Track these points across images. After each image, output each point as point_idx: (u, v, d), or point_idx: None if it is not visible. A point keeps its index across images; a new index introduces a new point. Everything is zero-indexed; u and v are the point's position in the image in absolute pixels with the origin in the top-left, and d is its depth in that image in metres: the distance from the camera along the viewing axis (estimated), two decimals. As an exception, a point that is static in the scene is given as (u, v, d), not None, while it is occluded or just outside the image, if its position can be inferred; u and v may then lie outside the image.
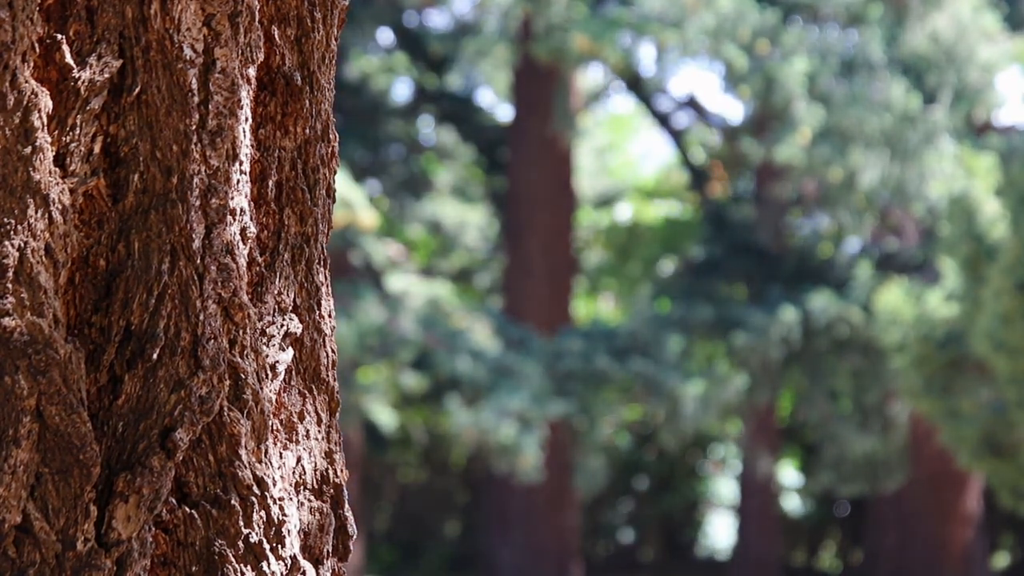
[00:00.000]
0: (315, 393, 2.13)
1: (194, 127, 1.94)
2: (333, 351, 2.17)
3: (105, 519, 1.86)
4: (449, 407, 17.57)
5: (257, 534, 1.98)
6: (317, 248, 2.14)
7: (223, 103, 1.97)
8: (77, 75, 1.86)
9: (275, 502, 2.01)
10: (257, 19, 2.02)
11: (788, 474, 26.48)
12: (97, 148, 1.89)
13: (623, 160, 29.61)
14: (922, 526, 20.30)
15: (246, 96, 2.01)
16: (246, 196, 2.01)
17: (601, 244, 26.92)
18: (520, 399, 16.85)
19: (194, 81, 1.94)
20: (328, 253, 2.19)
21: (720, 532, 27.34)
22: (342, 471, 2.16)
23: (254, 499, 1.98)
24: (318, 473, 2.11)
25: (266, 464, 2.01)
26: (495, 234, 23.26)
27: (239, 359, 1.97)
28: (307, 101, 2.11)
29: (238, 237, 1.98)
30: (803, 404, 19.75)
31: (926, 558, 20.21)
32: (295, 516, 2.05)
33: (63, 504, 1.83)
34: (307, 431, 2.10)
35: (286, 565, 2.02)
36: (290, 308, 2.08)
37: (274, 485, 2.01)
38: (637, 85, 22.20)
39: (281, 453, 2.05)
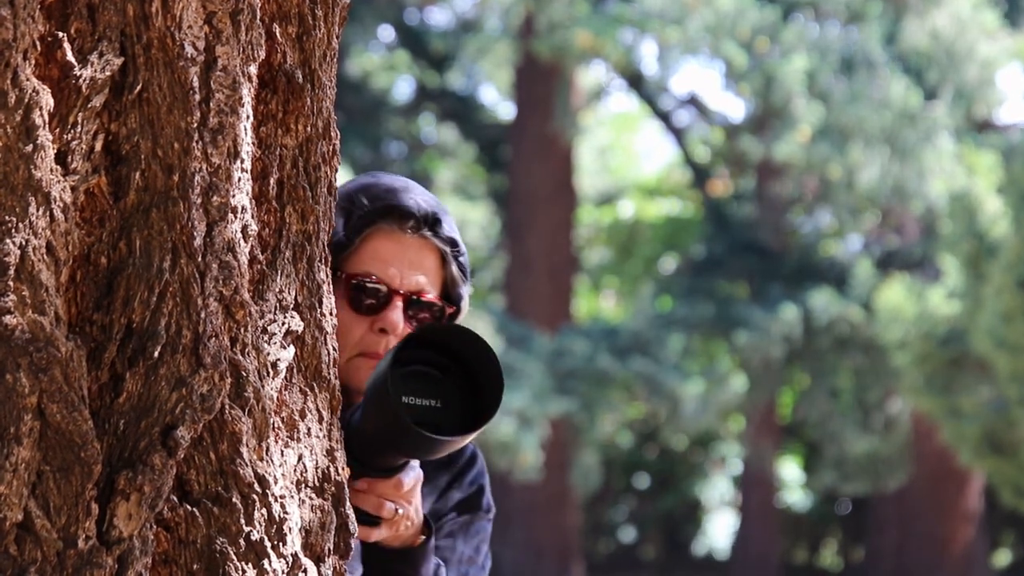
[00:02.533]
0: (316, 391, 2.13)
1: (195, 125, 1.94)
2: (334, 349, 2.17)
3: (106, 517, 1.86)
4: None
5: (258, 532, 1.98)
6: (318, 246, 2.14)
7: (224, 101, 1.97)
8: (78, 73, 1.86)
9: (276, 500, 2.01)
10: (258, 17, 2.02)
11: (789, 472, 26.49)
12: (98, 146, 1.89)
13: (624, 158, 29.60)
14: (923, 524, 20.30)
15: (247, 94, 2.01)
16: (247, 194, 2.01)
17: (602, 242, 26.92)
18: (521, 397, 16.86)
19: (195, 79, 1.94)
20: (329, 251, 2.20)
21: (721, 530, 27.35)
22: (343, 469, 2.16)
23: (255, 497, 1.98)
24: (319, 471, 2.12)
25: (267, 462, 2.01)
26: (496, 232, 23.27)
27: (240, 357, 1.97)
28: (308, 99, 2.11)
29: (239, 235, 1.99)
30: (804, 402, 19.75)
31: (927, 556, 20.21)
32: (296, 514, 2.05)
33: (64, 502, 1.83)
34: (308, 429, 2.10)
35: (287, 563, 2.02)
36: (291, 306, 2.08)
37: (275, 483, 2.01)
38: (638, 83, 22.19)
39: (282, 451, 2.05)
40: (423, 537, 2.43)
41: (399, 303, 2.49)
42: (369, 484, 2.31)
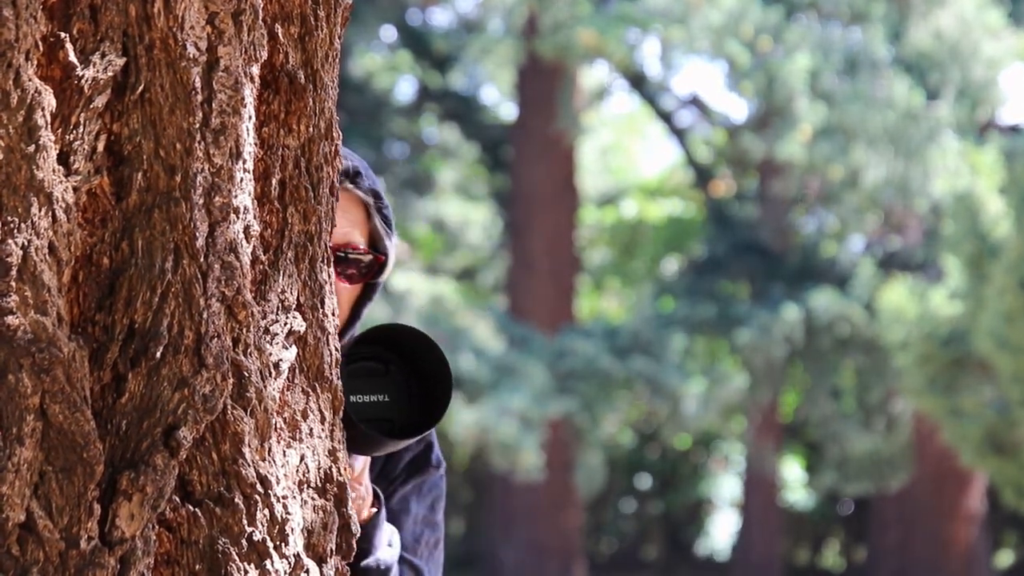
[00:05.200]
0: (318, 391, 2.13)
1: (197, 125, 1.94)
2: (336, 349, 2.17)
3: (108, 517, 1.86)
4: (451, 405, 17.53)
5: (260, 532, 1.98)
6: (320, 246, 2.14)
7: (227, 101, 1.97)
8: (80, 73, 1.86)
9: (278, 500, 2.01)
10: (261, 17, 2.02)
11: (791, 472, 26.49)
12: (100, 146, 1.89)
13: (627, 159, 29.60)
14: (925, 524, 20.30)
15: (250, 94, 2.01)
16: (249, 194, 2.01)
17: (604, 242, 26.93)
18: (522, 398, 16.86)
19: (198, 79, 1.94)
20: (331, 251, 2.20)
21: (723, 530, 27.34)
22: (345, 469, 2.16)
23: (257, 497, 1.98)
24: (321, 471, 2.12)
25: (269, 462, 2.01)
26: (498, 232, 23.27)
27: (242, 357, 1.97)
28: (310, 99, 2.11)
29: (241, 235, 1.99)
30: (806, 402, 19.75)
31: (929, 556, 20.21)
32: (298, 514, 2.05)
33: (67, 502, 1.83)
34: (310, 429, 2.11)
35: (289, 563, 2.02)
36: (293, 306, 2.08)
37: (277, 483, 2.01)
38: (641, 83, 22.20)
39: (284, 451, 2.05)
40: (374, 510, 2.46)
41: None
42: None
